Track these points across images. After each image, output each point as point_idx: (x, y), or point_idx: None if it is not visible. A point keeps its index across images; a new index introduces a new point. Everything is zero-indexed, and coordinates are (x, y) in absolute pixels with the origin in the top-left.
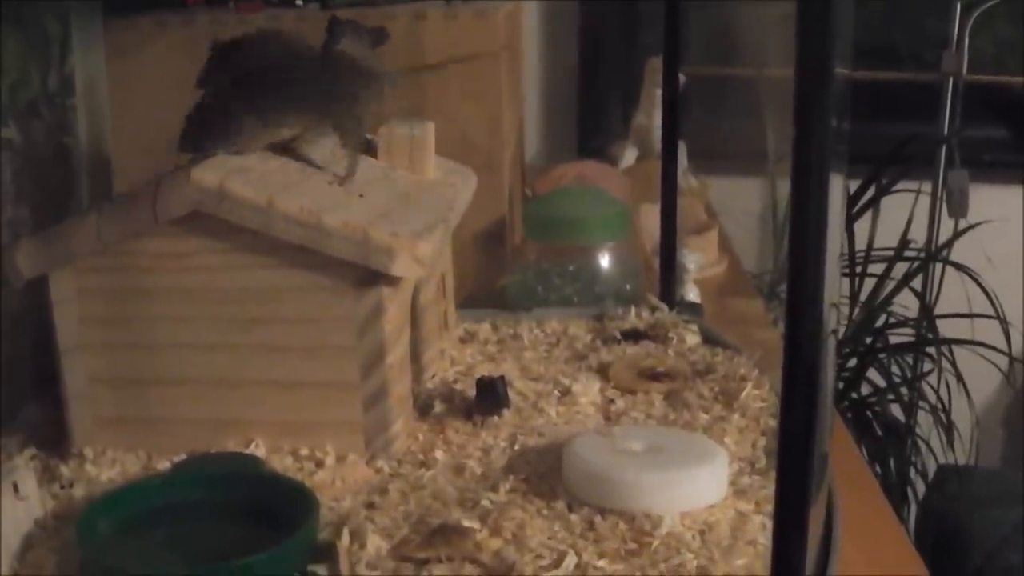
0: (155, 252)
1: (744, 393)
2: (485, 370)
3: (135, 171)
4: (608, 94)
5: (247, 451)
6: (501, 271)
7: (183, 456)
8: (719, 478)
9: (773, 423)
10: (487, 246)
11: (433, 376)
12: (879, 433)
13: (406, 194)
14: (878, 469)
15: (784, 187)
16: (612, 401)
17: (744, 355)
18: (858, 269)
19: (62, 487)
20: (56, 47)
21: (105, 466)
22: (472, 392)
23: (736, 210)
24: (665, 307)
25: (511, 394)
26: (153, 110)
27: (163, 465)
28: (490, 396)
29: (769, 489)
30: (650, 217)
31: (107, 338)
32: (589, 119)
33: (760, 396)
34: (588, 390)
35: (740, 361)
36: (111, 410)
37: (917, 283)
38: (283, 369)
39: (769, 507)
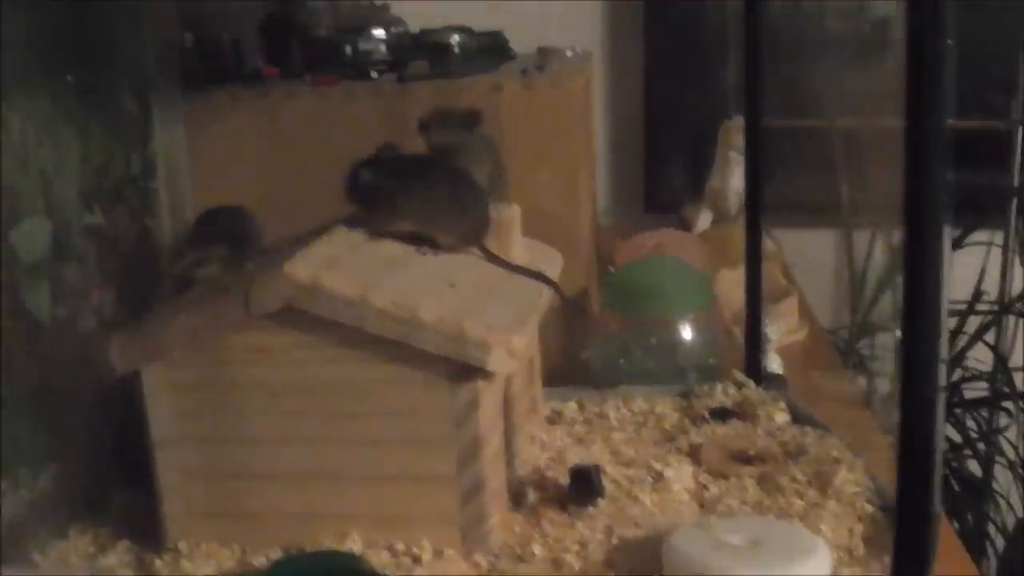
0: (247, 346)
1: (839, 478)
2: (575, 454)
3: None
4: (675, 151)
5: (343, 547)
6: (582, 341)
7: (278, 551)
8: (822, 573)
9: (869, 508)
10: (568, 316)
11: (525, 462)
12: (956, 488)
13: (495, 281)
14: (956, 524)
15: (859, 238)
16: (705, 487)
17: (835, 435)
18: None
19: None
20: (139, 127)
21: (200, 560)
22: (565, 479)
23: (807, 263)
24: (751, 383)
25: (604, 481)
26: (231, 183)
27: (259, 560)
28: (585, 486)
29: None
30: (727, 283)
31: (200, 431)
32: (656, 176)
33: (855, 480)
34: (681, 475)
35: (832, 443)
36: (204, 503)
37: (991, 336)
38: (378, 462)
39: None
